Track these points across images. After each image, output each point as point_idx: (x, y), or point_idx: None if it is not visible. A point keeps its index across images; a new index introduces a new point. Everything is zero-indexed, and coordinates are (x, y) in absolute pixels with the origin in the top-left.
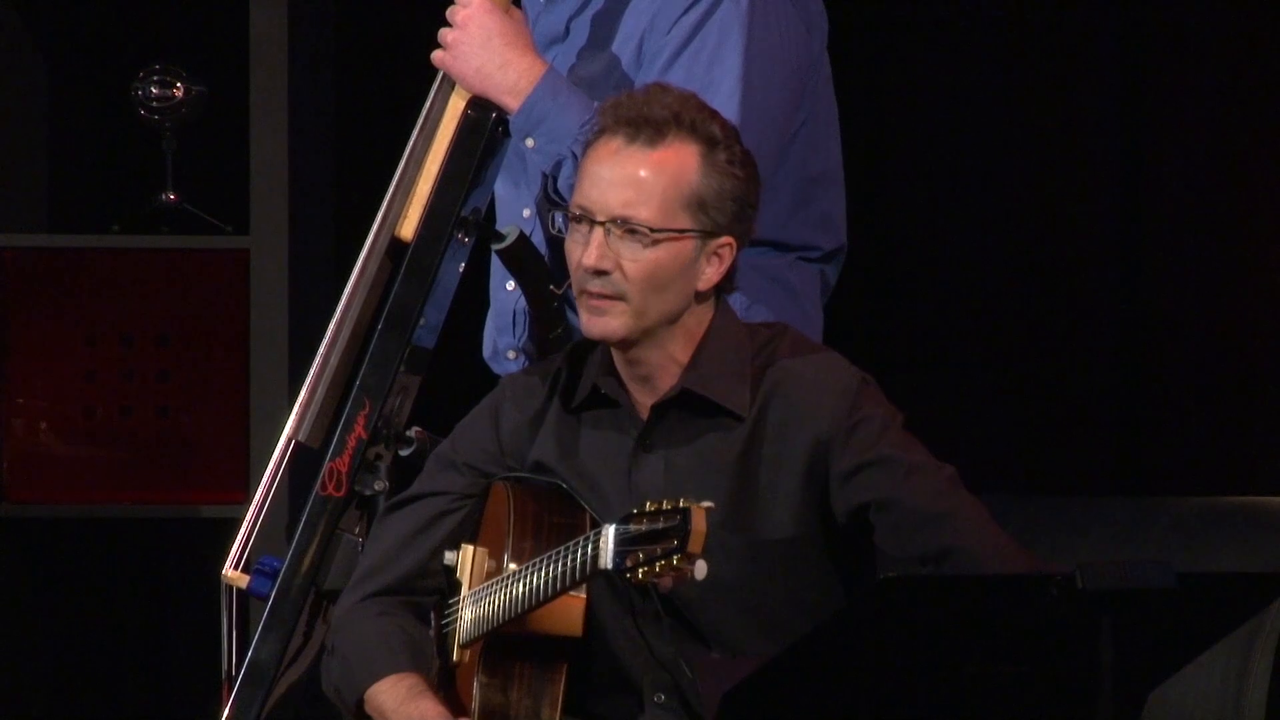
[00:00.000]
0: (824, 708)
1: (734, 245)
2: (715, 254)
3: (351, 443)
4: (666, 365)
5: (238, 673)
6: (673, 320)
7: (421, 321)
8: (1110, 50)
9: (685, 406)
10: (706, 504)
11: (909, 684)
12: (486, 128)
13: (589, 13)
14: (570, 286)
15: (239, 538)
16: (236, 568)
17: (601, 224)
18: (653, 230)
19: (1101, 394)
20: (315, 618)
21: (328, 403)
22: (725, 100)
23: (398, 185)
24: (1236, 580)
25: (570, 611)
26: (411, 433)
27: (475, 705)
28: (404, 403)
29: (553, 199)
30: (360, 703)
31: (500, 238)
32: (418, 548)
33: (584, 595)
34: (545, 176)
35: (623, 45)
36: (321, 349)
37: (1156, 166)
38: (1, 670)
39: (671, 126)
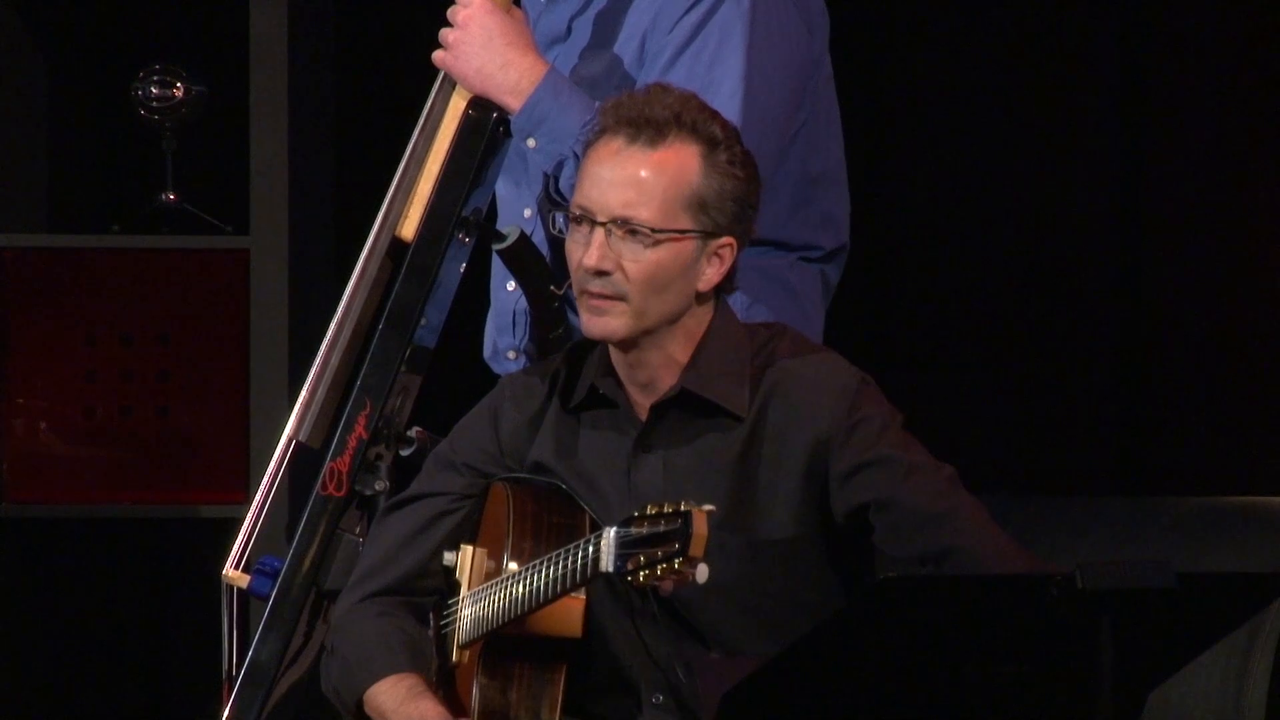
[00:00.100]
0: (823, 708)
1: (734, 246)
2: (716, 254)
3: (352, 443)
4: (666, 365)
5: (238, 673)
6: (673, 321)
7: (422, 321)
8: (1110, 50)
9: (684, 407)
10: (708, 507)
11: (909, 684)
12: (487, 128)
13: (591, 12)
14: (571, 287)
15: (239, 538)
16: (237, 567)
17: (602, 224)
18: (653, 231)
19: (1101, 394)
20: (316, 618)
21: (328, 403)
22: (726, 100)
23: (398, 185)
24: (1236, 580)
25: (570, 612)
26: (412, 433)
27: (475, 706)
28: (405, 403)
29: (554, 199)
30: (360, 703)
31: (501, 238)
32: (417, 548)
33: (583, 596)
34: (546, 176)
35: (625, 45)
36: (322, 349)
37: (1156, 166)
38: (1, 670)
39: (672, 127)
